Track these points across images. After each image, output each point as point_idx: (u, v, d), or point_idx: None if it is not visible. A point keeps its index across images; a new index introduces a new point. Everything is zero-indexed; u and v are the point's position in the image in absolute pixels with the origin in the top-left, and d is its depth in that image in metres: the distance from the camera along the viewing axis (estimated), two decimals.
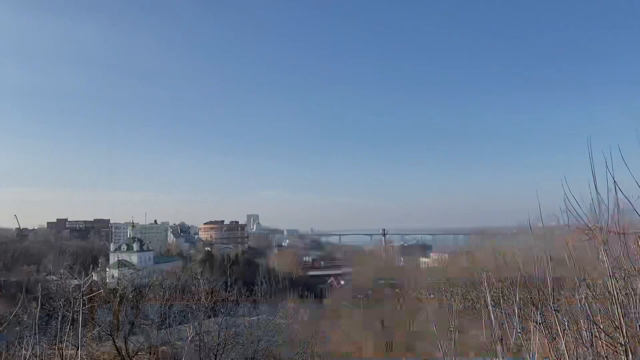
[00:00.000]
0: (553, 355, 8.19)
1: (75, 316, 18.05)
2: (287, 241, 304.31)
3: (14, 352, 14.70)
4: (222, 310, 28.32)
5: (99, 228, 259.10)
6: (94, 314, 23.82)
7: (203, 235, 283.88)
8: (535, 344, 8.25)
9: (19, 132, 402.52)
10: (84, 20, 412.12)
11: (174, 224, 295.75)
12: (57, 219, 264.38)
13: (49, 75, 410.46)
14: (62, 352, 13.20)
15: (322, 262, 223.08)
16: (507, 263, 21.28)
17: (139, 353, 24.85)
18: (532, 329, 8.67)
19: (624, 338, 7.05)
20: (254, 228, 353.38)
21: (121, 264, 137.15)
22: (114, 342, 24.00)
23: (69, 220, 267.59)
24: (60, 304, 21.18)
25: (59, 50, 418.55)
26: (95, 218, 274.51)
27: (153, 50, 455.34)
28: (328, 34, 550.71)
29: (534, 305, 9.44)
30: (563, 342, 7.77)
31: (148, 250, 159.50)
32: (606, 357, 7.39)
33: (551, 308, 8.22)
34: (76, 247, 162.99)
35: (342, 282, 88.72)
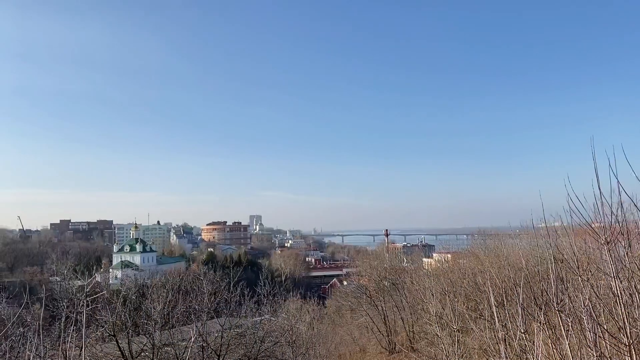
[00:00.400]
0: (557, 356, 8.15)
1: (78, 317, 18.08)
2: (290, 241, 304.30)
3: (17, 353, 14.73)
4: (225, 310, 28.25)
5: (102, 229, 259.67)
6: (97, 315, 23.78)
7: (206, 236, 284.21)
8: (539, 344, 8.21)
9: (22, 134, 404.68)
10: (87, 22, 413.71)
11: (177, 225, 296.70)
12: (60, 220, 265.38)
13: (52, 76, 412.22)
14: (66, 353, 13.21)
15: (324, 262, 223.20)
16: (511, 263, 21.24)
17: (142, 354, 24.82)
18: (535, 330, 8.62)
19: (628, 339, 7.01)
20: (256, 229, 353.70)
21: (124, 264, 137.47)
22: (117, 343, 23.97)
23: (72, 221, 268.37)
24: (63, 305, 21.20)
25: (64, 51, 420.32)
26: (98, 219, 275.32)
27: (157, 51, 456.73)
28: (332, 37, 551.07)
29: (537, 305, 9.40)
30: (567, 342, 7.73)
31: (151, 251, 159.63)
32: (610, 357, 7.34)
33: (555, 308, 8.18)
34: (79, 248, 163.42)
35: (345, 283, 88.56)
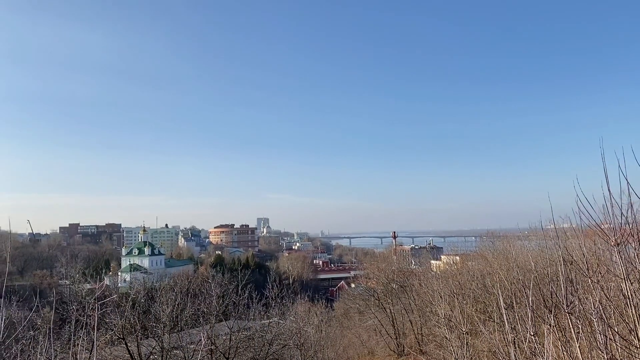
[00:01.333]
0: (567, 359, 8.09)
1: (88, 320, 18.19)
2: (298, 244, 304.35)
3: (28, 356, 14.84)
4: (233, 313, 28.30)
5: (111, 232, 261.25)
6: (106, 318, 23.93)
7: (213, 238, 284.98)
8: (549, 347, 8.15)
9: (31, 139, 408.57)
10: (91, 26, 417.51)
11: (185, 228, 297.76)
12: (69, 224, 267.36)
13: (60, 81, 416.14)
14: (76, 356, 13.30)
15: (332, 265, 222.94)
16: (519, 265, 21.09)
17: (151, 357, 24.92)
18: (545, 332, 8.56)
19: (639, 341, 6.95)
20: (264, 231, 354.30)
21: (133, 268, 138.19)
22: (126, 346, 24.08)
23: (80, 224, 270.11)
24: (73, 308, 21.34)
25: (71, 57, 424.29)
26: (106, 222, 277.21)
27: (162, 55, 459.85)
28: (337, 40, 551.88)
29: (547, 307, 9.33)
30: (577, 345, 7.67)
31: (159, 254, 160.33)
32: None
33: (564, 311, 8.12)
34: (88, 252, 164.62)
35: (353, 285, 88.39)
